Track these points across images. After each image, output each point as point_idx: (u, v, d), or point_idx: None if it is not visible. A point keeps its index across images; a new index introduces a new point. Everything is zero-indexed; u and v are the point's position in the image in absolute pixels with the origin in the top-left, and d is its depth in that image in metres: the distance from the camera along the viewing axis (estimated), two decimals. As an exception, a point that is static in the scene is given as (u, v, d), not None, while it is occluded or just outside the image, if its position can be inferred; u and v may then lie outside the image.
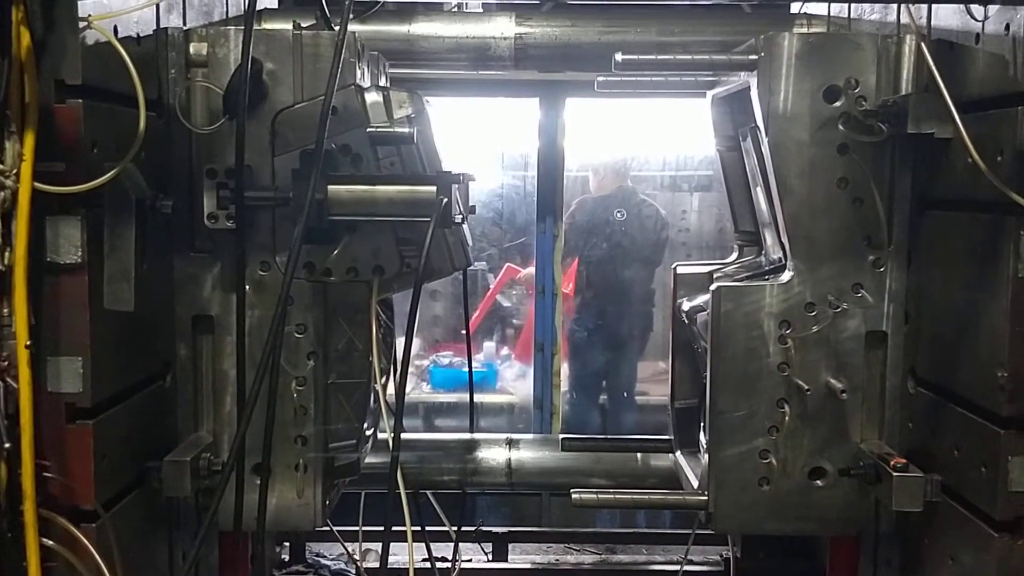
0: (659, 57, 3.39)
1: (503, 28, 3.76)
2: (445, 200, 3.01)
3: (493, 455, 4.18)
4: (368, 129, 3.13)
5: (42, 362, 2.61)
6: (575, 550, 4.82)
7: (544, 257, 5.76)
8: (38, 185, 2.48)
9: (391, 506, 3.00)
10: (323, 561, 4.64)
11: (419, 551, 3.93)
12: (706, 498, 3.33)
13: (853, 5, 3.54)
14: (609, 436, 5.07)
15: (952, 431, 3.02)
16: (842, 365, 3.26)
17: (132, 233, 2.72)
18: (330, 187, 3.00)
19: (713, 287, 3.32)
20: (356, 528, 4.19)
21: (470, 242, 3.50)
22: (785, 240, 3.29)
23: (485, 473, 4.18)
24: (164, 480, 3.02)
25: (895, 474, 3.01)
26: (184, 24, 3.21)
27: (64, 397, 2.65)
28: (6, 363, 2.51)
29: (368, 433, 3.54)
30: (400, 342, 3.66)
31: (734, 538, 4.39)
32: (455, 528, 4.13)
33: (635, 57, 3.36)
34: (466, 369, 4.29)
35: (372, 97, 3.17)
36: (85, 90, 2.59)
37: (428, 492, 4.23)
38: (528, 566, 4.66)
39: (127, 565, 2.79)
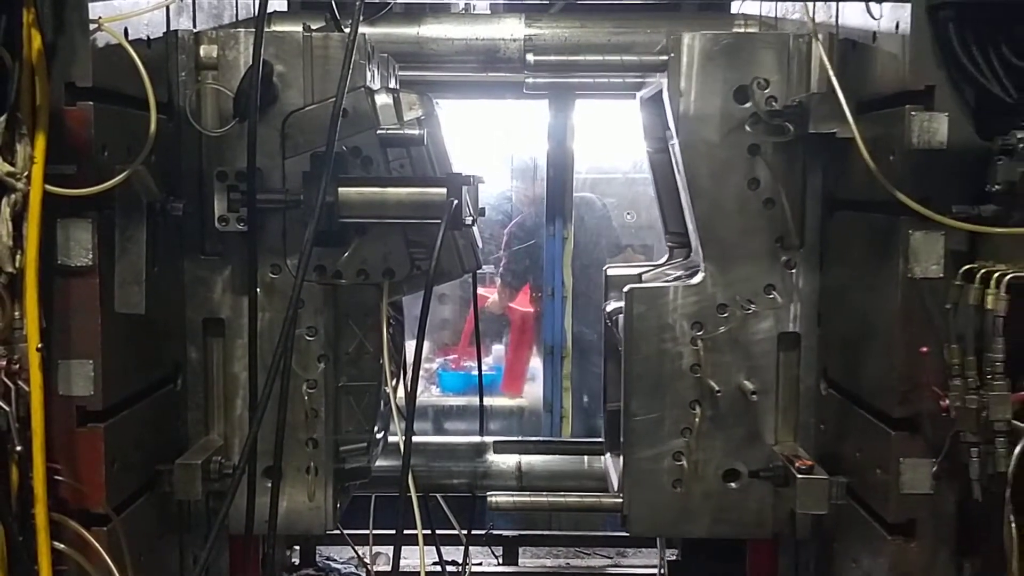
0: (570, 58, 3.39)
1: (512, 30, 3.74)
2: (455, 202, 3.00)
3: (503, 459, 4.16)
4: (378, 131, 3.12)
5: (53, 365, 2.61)
6: (585, 554, 4.81)
7: (553, 260, 5.75)
8: (49, 187, 2.48)
9: (403, 509, 2.98)
10: (333, 565, 4.63)
11: (429, 555, 3.91)
12: (621, 500, 3.32)
13: (784, 4, 3.51)
14: (544, 439, 5.05)
15: (855, 433, 3.00)
16: (755, 367, 3.25)
17: (143, 236, 2.71)
18: (340, 189, 2.99)
19: (625, 289, 3.30)
20: (366, 532, 4.18)
21: (480, 244, 3.49)
22: (697, 242, 3.27)
23: (495, 476, 4.15)
24: (175, 483, 3.01)
25: (799, 476, 2.98)
26: (194, 26, 3.21)
27: (75, 400, 2.65)
28: (17, 366, 2.50)
29: (379, 436, 3.53)
30: (409, 345, 3.66)
31: (673, 541, 4.36)
32: (465, 532, 4.11)
33: (547, 59, 3.38)
34: (475, 372, 4.27)
35: (382, 99, 3.16)
36: (95, 92, 2.59)
37: (438, 495, 4.21)
38: (538, 570, 4.63)
39: (138, 568, 2.79)
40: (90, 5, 2.56)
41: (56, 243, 2.59)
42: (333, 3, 3.41)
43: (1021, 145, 2.43)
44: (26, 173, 2.47)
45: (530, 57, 3.32)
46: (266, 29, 2.96)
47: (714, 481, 3.27)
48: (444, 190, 3.02)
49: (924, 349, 2.60)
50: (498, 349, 7.47)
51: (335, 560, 4.67)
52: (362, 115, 3.09)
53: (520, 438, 4.73)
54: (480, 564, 4.55)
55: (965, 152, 2.56)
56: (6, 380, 2.48)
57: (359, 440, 3.34)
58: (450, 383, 6.87)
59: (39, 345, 2.48)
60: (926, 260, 2.61)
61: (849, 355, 3.09)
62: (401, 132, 3.15)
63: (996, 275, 2.45)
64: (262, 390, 2.82)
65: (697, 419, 3.24)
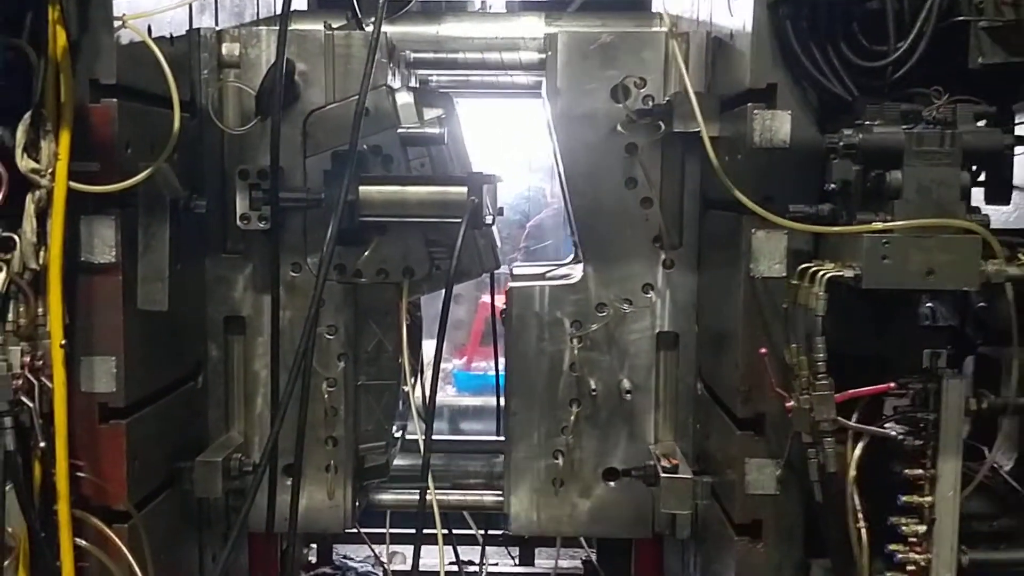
0: (449, 56, 3.39)
1: (532, 29, 3.73)
2: (476, 201, 2.99)
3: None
4: (399, 130, 3.12)
5: (76, 362, 2.62)
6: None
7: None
8: (73, 184, 2.49)
9: (423, 509, 2.98)
10: (350, 563, 4.63)
11: (447, 555, 3.90)
12: (503, 499, 3.30)
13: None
14: (450, 438, 5.04)
15: (715, 433, 2.99)
16: (634, 366, 3.24)
17: (166, 233, 2.72)
18: (361, 188, 2.99)
19: (507, 287, 3.29)
20: (383, 530, 4.18)
21: (499, 244, 3.49)
22: (577, 240, 3.26)
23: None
24: (196, 481, 3.02)
25: (663, 476, 2.97)
26: (216, 24, 3.21)
27: (97, 397, 2.65)
28: (41, 362, 2.51)
29: (397, 435, 3.53)
30: (426, 344, 3.65)
31: (591, 540, 4.32)
32: (482, 532, 4.10)
33: (427, 56, 3.37)
34: (492, 373, 4.26)
35: (403, 98, 3.16)
36: (119, 90, 2.59)
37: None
38: (555, 571, 4.62)
39: (158, 565, 2.79)
40: (114, 2, 2.56)
41: (80, 240, 2.59)
42: (355, 1, 3.41)
43: (842, 144, 2.40)
44: (50, 170, 2.47)
45: (409, 55, 3.34)
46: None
47: (593, 480, 3.27)
48: (465, 189, 3.01)
49: (763, 350, 2.58)
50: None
51: (352, 559, 4.67)
52: (383, 114, 3.09)
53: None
54: (496, 564, 4.54)
55: (809, 151, 2.53)
56: (30, 376, 2.49)
57: (378, 438, 3.34)
58: (466, 383, 6.86)
59: (63, 342, 2.49)
60: (769, 259, 2.59)
61: (711, 354, 3.09)
62: (421, 131, 3.16)
63: (818, 273, 2.41)
64: (285, 388, 2.82)
65: (573, 418, 3.23)
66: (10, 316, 2.48)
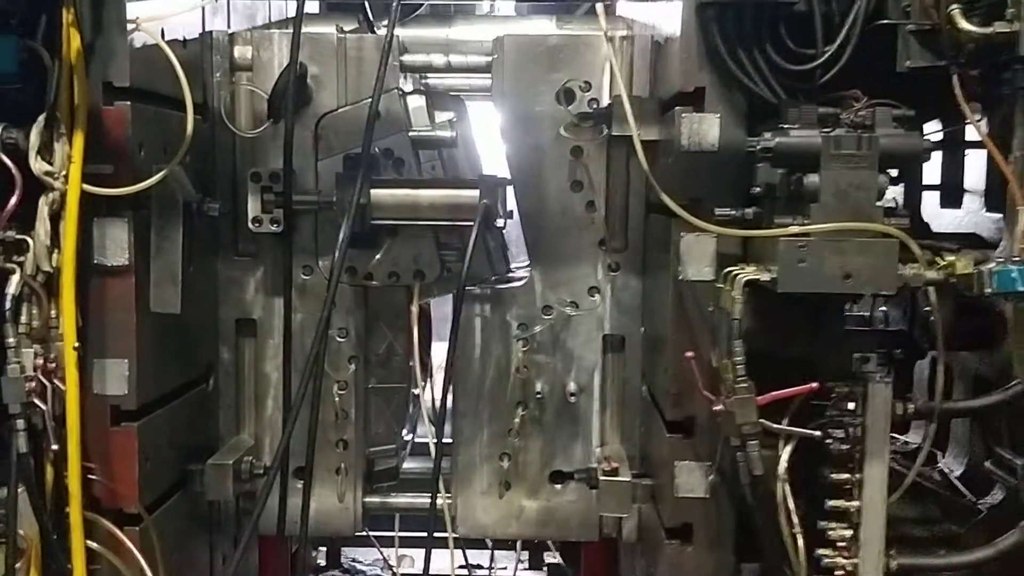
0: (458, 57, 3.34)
1: (543, 31, 3.73)
2: (488, 204, 2.99)
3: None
4: (410, 133, 3.12)
5: (88, 364, 2.61)
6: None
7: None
8: (86, 187, 2.49)
9: (433, 513, 2.97)
10: (359, 567, 4.63)
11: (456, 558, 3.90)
12: (451, 501, 3.29)
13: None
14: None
15: (653, 436, 2.98)
16: (580, 368, 3.23)
17: (179, 236, 2.72)
18: (373, 191, 2.99)
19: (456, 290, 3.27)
20: (392, 534, 4.17)
21: (509, 247, 3.48)
22: (523, 243, 3.25)
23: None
24: (207, 483, 3.02)
25: (601, 479, 2.96)
26: (228, 27, 3.21)
27: (109, 399, 2.65)
28: (54, 365, 2.51)
29: (407, 438, 3.52)
30: (435, 347, 3.65)
31: (554, 544, 4.30)
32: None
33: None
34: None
35: (415, 101, 3.16)
36: (132, 92, 2.59)
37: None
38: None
39: (169, 568, 2.79)
40: (128, 5, 2.56)
41: (93, 242, 2.59)
42: (367, 5, 3.41)
43: (760, 148, 2.38)
44: (64, 172, 2.47)
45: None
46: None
47: (541, 482, 3.27)
48: (476, 192, 3.01)
49: (689, 354, 2.57)
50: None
51: (361, 562, 4.67)
52: (395, 117, 3.09)
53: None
54: (505, 568, 4.53)
55: (738, 154, 2.52)
56: (42, 379, 2.49)
57: (388, 442, 3.34)
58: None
59: (75, 344, 2.49)
60: (698, 262, 2.58)
61: (650, 357, 3.09)
62: (433, 134, 3.16)
63: (736, 276, 2.40)
64: (297, 391, 2.81)
65: (518, 420, 3.23)
66: (23, 318, 2.49)
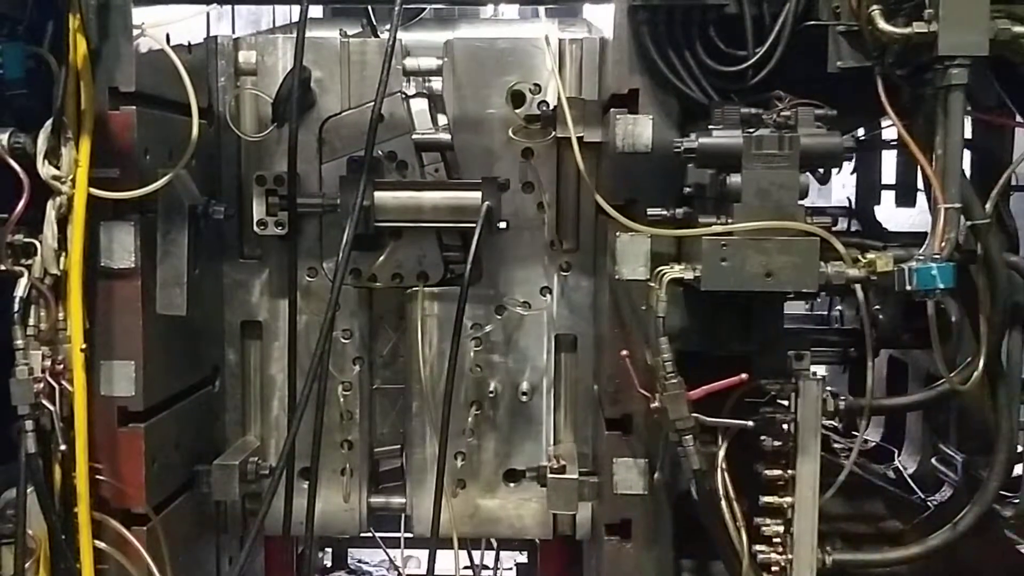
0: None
1: (546, 34, 3.75)
2: (490, 206, 3.01)
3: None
4: (414, 136, 3.15)
5: (95, 366, 2.65)
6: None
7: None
8: (93, 191, 2.53)
9: (438, 514, 2.99)
10: (365, 567, 4.65)
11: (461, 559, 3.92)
12: (406, 501, 3.30)
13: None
14: None
15: (598, 433, 3.00)
16: (533, 368, 3.24)
17: (185, 239, 2.75)
18: (376, 193, 3.01)
19: (411, 290, 3.27)
20: (398, 534, 4.19)
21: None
22: None
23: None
24: (213, 484, 3.04)
25: (549, 476, 2.97)
26: (233, 32, 3.24)
27: (116, 401, 2.68)
28: (61, 366, 2.54)
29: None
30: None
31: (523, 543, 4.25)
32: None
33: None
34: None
35: (418, 104, 3.18)
36: (138, 97, 2.63)
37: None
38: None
39: (176, 568, 2.82)
40: (133, 11, 2.60)
41: (99, 245, 2.63)
42: (370, 9, 3.44)
43: (683, 148, 2.40)
44: (71, 176, 2.51)
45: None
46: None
47: (495, 481, 3.27)
48: (479, 194, 3.04)
49: (624, 352, 2.59)
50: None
51: (367, 563, 4.69)
52: (398, 120, 3.11)
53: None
54: (511, 568, 4.55)
55: (672, 155, 2.52)
56: (50, 380, 2.53)
57: (393, 442, 3.36)
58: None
59: (83, 346, 2.52)
60: (633, 262, 2.61)
61: (596, 356, 3.11)
62: (436, 136, 3.18)
63: (661, 274, 2.43)
64: (302, 392, 2.84)
65: (478, 419, 3.24)
66: (31, 321, 2.53)
